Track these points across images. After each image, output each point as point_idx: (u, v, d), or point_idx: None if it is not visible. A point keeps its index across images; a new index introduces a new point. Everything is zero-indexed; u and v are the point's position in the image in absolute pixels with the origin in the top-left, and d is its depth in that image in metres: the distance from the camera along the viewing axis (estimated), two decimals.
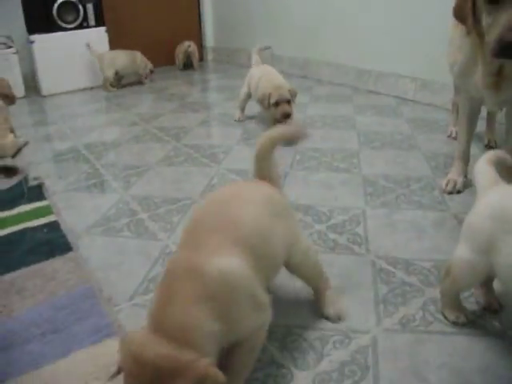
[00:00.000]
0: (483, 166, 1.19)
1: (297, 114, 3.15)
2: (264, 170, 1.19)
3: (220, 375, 0.81)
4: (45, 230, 1.85)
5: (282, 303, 1.35)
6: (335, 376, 1.11)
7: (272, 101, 2.68)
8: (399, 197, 1.99)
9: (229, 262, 0.93)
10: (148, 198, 2.10)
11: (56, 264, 1.62)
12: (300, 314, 1.32)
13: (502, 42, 1.47)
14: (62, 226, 1.87)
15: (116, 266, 1.60)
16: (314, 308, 1.32)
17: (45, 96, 4.37)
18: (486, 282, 1.29)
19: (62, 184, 2.31)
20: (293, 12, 4.57)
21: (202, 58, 5.74)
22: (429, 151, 2.49)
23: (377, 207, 1.91)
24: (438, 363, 1.13)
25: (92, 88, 4.60)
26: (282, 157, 2.48)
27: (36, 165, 2.60)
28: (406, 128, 2.88)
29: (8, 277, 1.58)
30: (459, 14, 1.69)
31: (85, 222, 1.90)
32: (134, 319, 1.32)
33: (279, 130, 1.19)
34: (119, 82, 4.56)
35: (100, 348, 1.21)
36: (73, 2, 4.35)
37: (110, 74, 4.39)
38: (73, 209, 2.04)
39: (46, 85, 4.37)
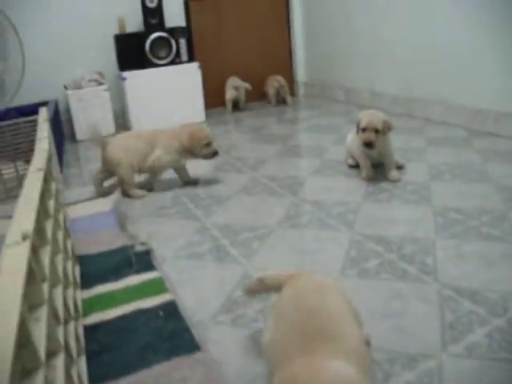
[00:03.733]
0: None
1: (417, 162, 2.77)
2: None
3: None
4: (161, 314, 1.53)
5: None
6: None
7: (362, 125, 2.56)
8: None
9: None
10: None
11: (183, 368, 1.28)
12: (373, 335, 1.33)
13: None
14: (181, 310, 1.54)
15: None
16: (386, 330, 1.38)
17: None
18: None
19: (171, 248, 2.00)
20: (393, 47, 4.20)
21: (292, 93, 5.44)
22: None
23: None
24: None
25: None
26: (421, 220, 2.10)
27: (135, 220, 2.31)
28: None
29: (125, 381, 1.25)
30: None
31: (208, 306, 1.58)
32: None
33: None
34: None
35: None
36: (166, 38, 4.14)
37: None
38: (189, 284, 1.72)
39: (137, 122, 4.15)
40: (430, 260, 1.78)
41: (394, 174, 2.62)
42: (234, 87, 4.74)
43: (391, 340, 1.36)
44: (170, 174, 2.85)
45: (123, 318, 1.52)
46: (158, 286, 1.69)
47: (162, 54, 4.18)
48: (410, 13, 3.97)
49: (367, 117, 2.56)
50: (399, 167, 2.78)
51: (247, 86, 4.75)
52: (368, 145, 2.53)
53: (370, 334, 1.33)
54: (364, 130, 2.54)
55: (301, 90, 5.60)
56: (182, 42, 4.24)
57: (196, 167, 3.00)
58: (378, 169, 2.72)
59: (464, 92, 3.63)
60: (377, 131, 2.52)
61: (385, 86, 4.41)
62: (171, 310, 1.53)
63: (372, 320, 1.45)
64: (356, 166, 2.82)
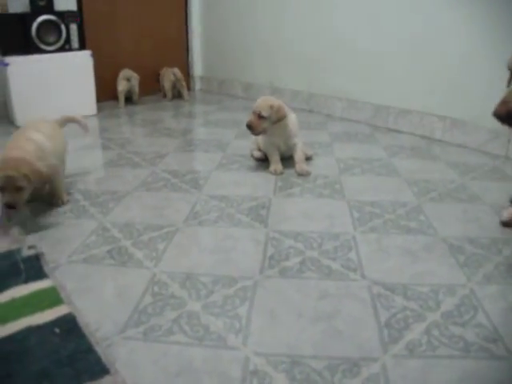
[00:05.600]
0: None
1: (325, 156, 2.71)
2: None
3: None
4: (57, 331, 1.30)
5: (285, 333, 1.29)
6: None
7: None
8: (498, 266, 1.64)
9: None
10: (191, 276, 1.57)
11: None
12: (305, 343, 1.24)
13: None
14: (82, 326, 1.31)
15: None
16: (319, 337, 1.27)
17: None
18: None
19: (65, 252, 1.76)
20: (294, 43, 4.17)
21: (188, 88, 5.22)
22: (495, 204, 2.14)
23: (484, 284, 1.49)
24: None
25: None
26: (337, 215, 2.00)
27: (22, 221, 2.03)
28: (453, 174, 2.53)
29: None
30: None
31: (113, 318, 1.37)
32: None
33: None
34: None
35: None
36: (55, 22, 3.80)
37: None
38: (89, 293, 1.50)
39: (21, 114, 3.77)
40: (354, 256, 1.69)
41: (302, 167, 2.54)
42: (127, 79, 4.46)
43: (327, 345, 1.24)
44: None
45: (10, 339, 1.28)
46: (51, 298, 1.45)
47: (51, 39, 3.82)
48: (312, 9, 3.91)
49: (257, 101, 2.53)
50: (308, 158, 2.71)
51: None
52: (248, 127, 2.48)
53: None
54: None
55: (197, 85, 5.40)
56: (73, 27, 3.91)
57: (85, 160, 2.77)
58: (287, 162, 2.62)
59: (366, 89, 3.63)
60: (261, 116, 2.44)
61: (285, 81, 4.34)
62: (69, 326, 1.31)
63: (302, 323, 1.32)
64: (263, 160, 2.70)
